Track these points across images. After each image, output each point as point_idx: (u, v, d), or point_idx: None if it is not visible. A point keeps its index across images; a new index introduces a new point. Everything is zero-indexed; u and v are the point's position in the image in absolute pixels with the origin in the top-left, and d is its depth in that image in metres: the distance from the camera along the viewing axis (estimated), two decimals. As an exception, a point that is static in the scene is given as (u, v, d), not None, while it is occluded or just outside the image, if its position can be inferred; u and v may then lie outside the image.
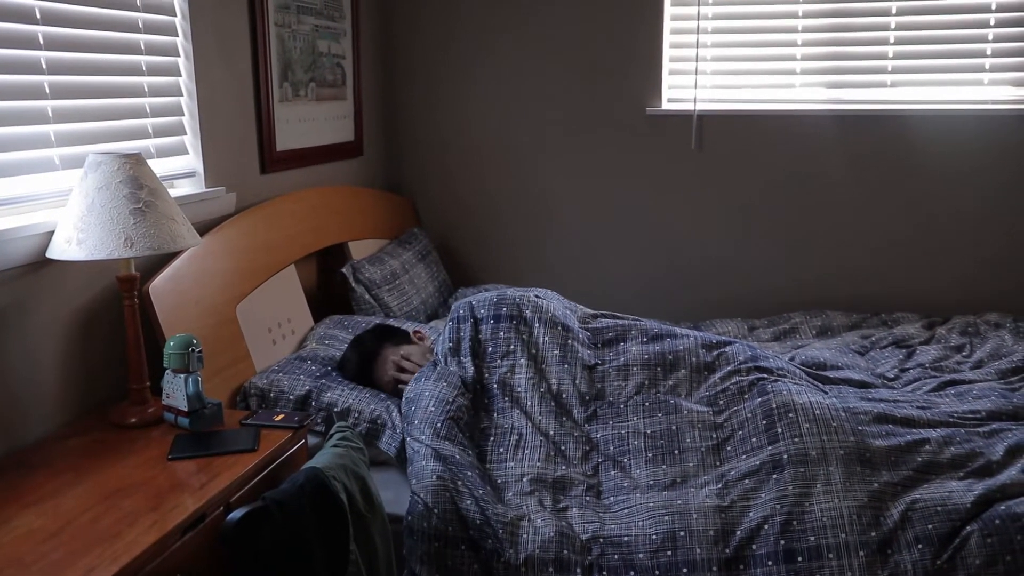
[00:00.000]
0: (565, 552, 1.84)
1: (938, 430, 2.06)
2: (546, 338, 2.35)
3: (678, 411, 2.19)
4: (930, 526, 1.79)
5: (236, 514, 1.57)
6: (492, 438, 2.18)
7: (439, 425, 2.10)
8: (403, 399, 2.28)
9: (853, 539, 1.80)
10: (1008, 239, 3.19)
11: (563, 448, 2.16)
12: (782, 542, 1.81)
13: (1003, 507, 1.79)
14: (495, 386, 2.28)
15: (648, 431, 2.16)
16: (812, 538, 1.80)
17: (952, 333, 2.91)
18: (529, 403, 2.24)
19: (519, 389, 2.26)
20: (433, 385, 2.24)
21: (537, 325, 2.37)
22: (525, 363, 2.31)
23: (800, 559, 1.79)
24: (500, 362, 2.32)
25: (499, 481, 2.06)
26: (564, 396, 2.26)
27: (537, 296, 2.46)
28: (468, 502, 1.92)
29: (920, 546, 1.77)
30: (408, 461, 2.07)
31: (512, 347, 2.33)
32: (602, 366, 2.34)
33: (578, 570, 1.83)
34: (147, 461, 1.78)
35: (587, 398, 2.27)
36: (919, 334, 2.91)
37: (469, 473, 1.99)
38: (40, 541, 1.46)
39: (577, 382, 2.29)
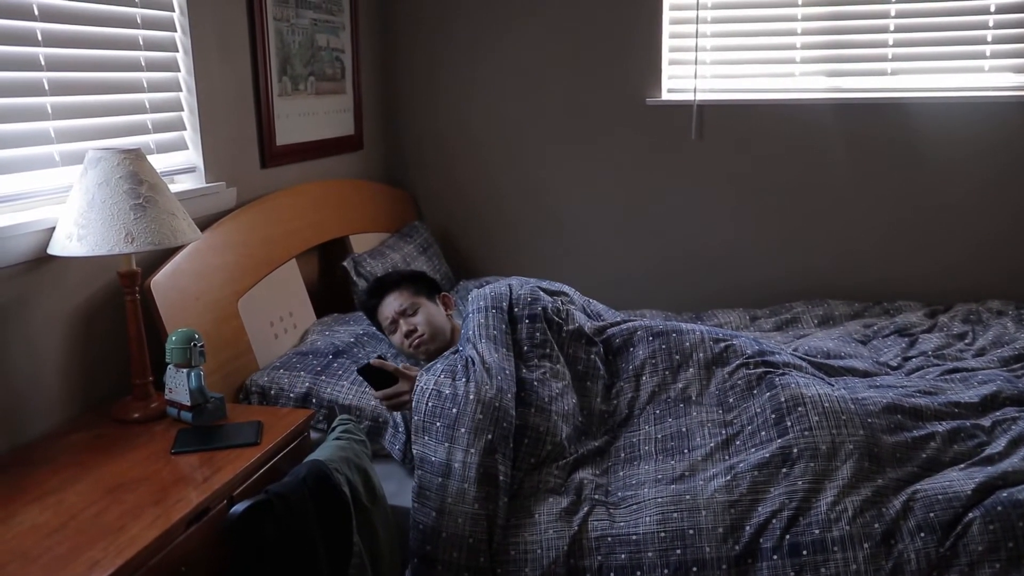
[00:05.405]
0: (572, 561, 1.85)
1: (944, 423, 2.06)
2: (571, 349, 2.31)
3: (688, 415, 2.17)
4: (932, 514, 1.79)
5: (239, 507, 1.58)
6: (526, 440, 2.07)
7: (491, 438, 1.99)
8: (434, 393, 2.07)
9: (857, 531, 1.79)
10: (1010, 226, 3.18)
11: (582, 456, 2.13)
12: (788, 536, 1.80)
13: (1005, 494, 1.79)
14: (535, 383, 2.17)
15: (659, 436, 2.15)
16: (817, 531, 1.80)
17: (954, 321, 2.90)
18: (558, 415, 2.15)
19: (555, 394, 2.17)
20: (474, 387, 2.05)
21: (564, 334, 2.33)
22: (561, 369, 2.24)
23: (805, 552, 1.78)
24: (538, 363, 2.23)
25: (520, 487, 2.02)
26: (586, 411, 2.22)
27: (563, 304, 2.40)
28: (498, 532, 1.90)
29: (923, 535, 1.77)
30: (448, 469, 1.95)
31: (549, 350, 2.26)
32: (618, 381, 2.31)
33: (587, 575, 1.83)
34: (150, 456, 1.79)
35: (605, 414, 2.25)
36: (921, 322, 2.90)
37: (505, 499, 1.95)
38: (45, 535, 1.47)
39: (598, 398, 2.26)
